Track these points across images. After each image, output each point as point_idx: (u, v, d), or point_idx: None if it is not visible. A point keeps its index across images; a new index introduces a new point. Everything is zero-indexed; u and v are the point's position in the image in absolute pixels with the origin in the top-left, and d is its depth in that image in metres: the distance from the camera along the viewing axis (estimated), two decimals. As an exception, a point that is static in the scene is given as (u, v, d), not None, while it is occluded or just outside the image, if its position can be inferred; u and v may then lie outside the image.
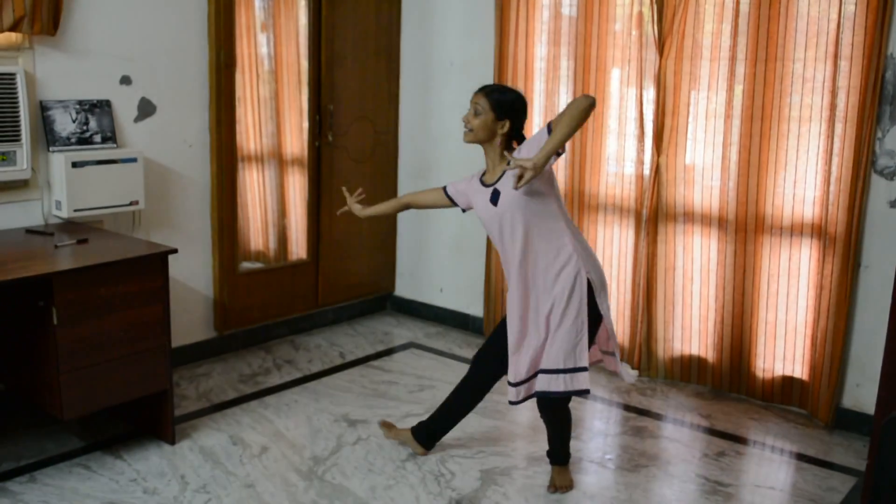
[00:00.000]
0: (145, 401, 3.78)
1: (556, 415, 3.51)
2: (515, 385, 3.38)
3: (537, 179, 3.15)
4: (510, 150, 3.36)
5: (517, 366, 3.38)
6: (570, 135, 3.14)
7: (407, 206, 3.81)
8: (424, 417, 3.86)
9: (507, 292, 3.49)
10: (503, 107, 3.35)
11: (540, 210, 3.29)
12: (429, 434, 3.80)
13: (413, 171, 5.82)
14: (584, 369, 3.30)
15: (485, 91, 3.40)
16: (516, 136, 3.42)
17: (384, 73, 5.71)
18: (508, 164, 3.16)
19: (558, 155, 3.20)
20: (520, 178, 3.04)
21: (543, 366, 3.33)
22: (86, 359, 3.40)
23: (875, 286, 4.10)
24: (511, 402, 3.40)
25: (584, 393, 3.33)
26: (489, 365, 3.61)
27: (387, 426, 3.92)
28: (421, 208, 3.85)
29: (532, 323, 3.36)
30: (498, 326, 3.59)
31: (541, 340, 3.34)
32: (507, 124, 3.37)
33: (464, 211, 3.66)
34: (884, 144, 4.00)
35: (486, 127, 3.37)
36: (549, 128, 3.19)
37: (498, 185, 3.34)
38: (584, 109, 3.14)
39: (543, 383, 3.32)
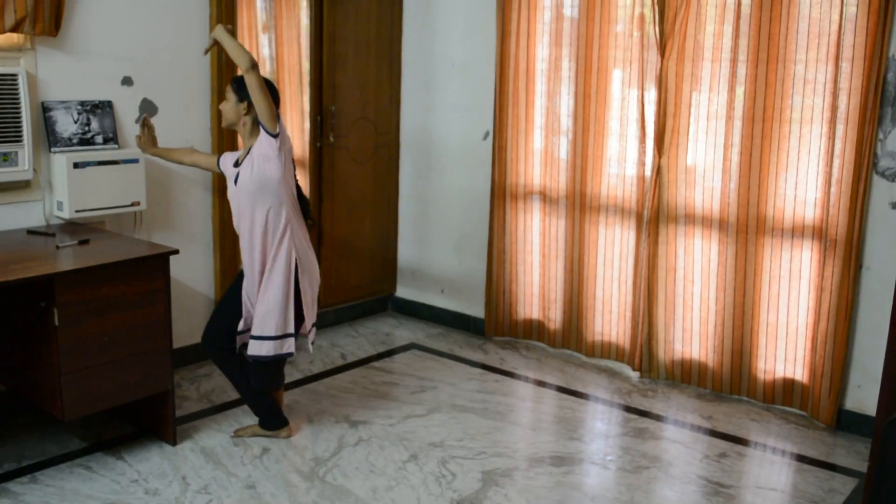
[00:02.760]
0: (147, 401, 3.78)
1: (267, 379, 3.85)
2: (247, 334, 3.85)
3: (267, 163, 3.57)
4: (256, 132, 3.68)
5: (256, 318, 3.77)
6: (236, 56, 3.58)
7: (194, 164, 4.08)
8: (424, 418, 3.86)
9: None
10: (242, 88, 3.65)
11: (267, 199, 3.61)
12: (269, 416, 3.94)
13: (415, 172, 5.83)
14: (291, 335, 3.75)
15: (231, 80, 3.79)
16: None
17: (386, 73, 5.71)
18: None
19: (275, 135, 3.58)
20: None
21: (255, 332, 3.71)
22: (87, 359, 3.40)
23: (876, 288, 4.10)
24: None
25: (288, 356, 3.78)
26: (219, 338, 3.87)
27: (238, 432, 3.97)
28: (202, 168, 4.12)
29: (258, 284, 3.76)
30: (222, 301, 3.98)
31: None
32: (246, 104, 3.66)
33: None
34: (885, 146, 4.00)
35: (232, 110, 3.71)
36: (266, 128, 3.60)
37: (240, 168, 3.68)
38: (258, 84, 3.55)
39: (254, 348, 3.71)
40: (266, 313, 3.67)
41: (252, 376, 3.82)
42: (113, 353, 3.48)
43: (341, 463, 3.73)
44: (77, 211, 3.96)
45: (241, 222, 3.70)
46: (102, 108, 4.15)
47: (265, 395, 3.88)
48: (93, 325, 3.40)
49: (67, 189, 3.91)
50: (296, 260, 3.69)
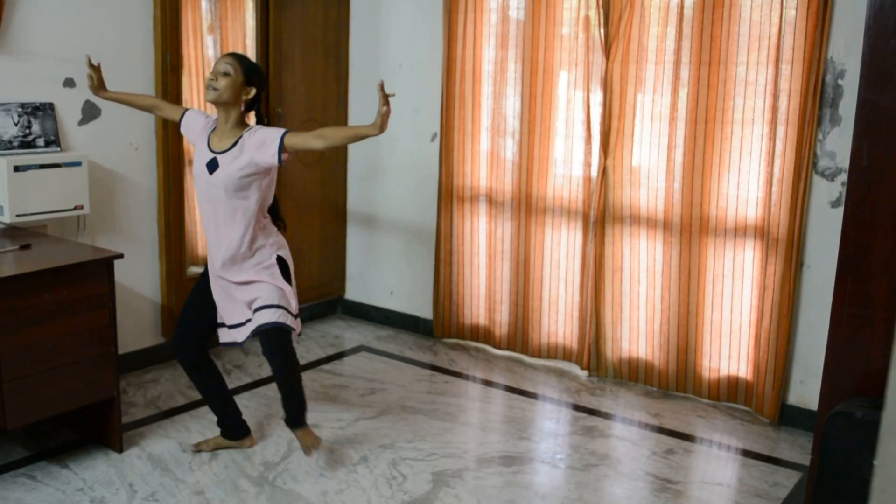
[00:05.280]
0: (92, 408, 3.72)
1: (287, 360, 3.60)
2: (232, 327, 3.64)
3: (261, 176, 3.45)
4: (243, 123, 3.54)
5: (230, 312, 3.63)
6: (350, 139, 3.64)
7: (152, 109, 3.88)
8: (375, 420, 3.85)
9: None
10: (253, 73, 3.51)
11: (242, 198, 3.46)
12: (229, 426, 3.86)
13: (363, 174, 5.81)
14: (295, 316, 3.60)
15: (236, 56, 3.52)
16: (256, 107, 3.59)
17: (333, 75, 5.69)
18: (383, 96, 3.37)
19: (280, 162, 3.43)
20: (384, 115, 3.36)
21: (258, 304, 3.52)
22: (29, 367, 3.34)
23: (817, 285, 4.19)
24: (237, 343, 3.63)
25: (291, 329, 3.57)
26: (188, 344, 3.72)
27: (199, 445, 3.87)
28: (157, 115, 4.03)
29: (231, 285, 3.58)
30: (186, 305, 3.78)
31: (241, 297, 3.58)
32: (253, 91, 3.51)
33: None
34: (824, 146, 4.09)
35: (234, 89, 3.46)
36: (283, 140, 3.39)
37: (221, 157, 3.46)
38: (354, 136, 3.57)
39: (263, 317, 3.50)
40: (260, 290, 3.53)
41: (274, 359, 3.58)
42: (56, 359, 3.42)
43: (291, 467, 3.71)
44: (18, 215, 3.88)
45: (211, 213, 3.52)
46: (44, 111, 4.08)
47: (297, 381, 3.68)
48: (35, 331, 3.34)
49: (7, 193, 3.82)
50: (280, 254, 3.60)
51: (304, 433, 3.67)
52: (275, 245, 3.61)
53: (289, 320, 3.54)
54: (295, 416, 3.67)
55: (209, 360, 3.78)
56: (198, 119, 3.68)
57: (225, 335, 3.67)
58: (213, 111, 3.64)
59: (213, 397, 3.82)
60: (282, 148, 3.38)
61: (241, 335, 3.60)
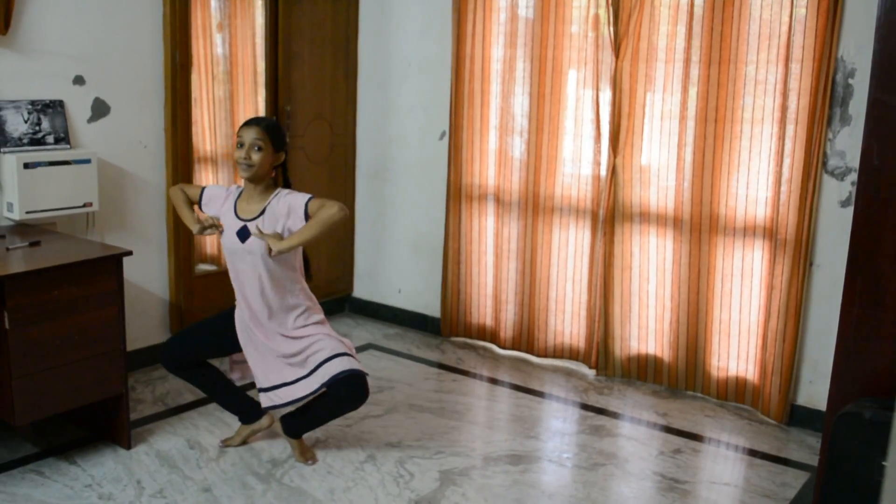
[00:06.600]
0: (100, 405, 3.73)
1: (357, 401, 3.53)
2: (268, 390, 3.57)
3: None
4: (271, 186, 3.55)
5: (273, 372, 3.57)
6: (312, 239, 3.37)
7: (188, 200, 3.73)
8: (382, 418, 3.84)
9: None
10: (280, 139, 3.51)
11: (280, 263, 3.48)
12: (242, 411, 3.85)
13: (371, 172, 5.82)
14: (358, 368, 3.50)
15: (261, 125, 3.49)
16: (283, 167, 3.61)
17: (342, 73, 5.69)
18: (260, 229, 3.39)
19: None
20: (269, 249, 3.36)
21: (324, 356, 3.47)
22: (39, 363, 3.35)
23: (827, 284, 4.18)
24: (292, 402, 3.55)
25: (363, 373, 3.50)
26: (176, 358, 3.70)
27: (227, 442, 3.87)
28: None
29: (269, 351, 3.54)
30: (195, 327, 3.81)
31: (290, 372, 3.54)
32: (283, 157, 3.54)
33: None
34: (834, 145, 4.08)
35: (268, 162, 3.47)
36: (307, 207, 3.41)
37: (251, 224, 3.46)
38: (336, 222, 3.38)
39: (344, 364, 3.45)
40: (318, 342, 3.50)
41: (352, 402, 3.53)
42: (65, 356, 3.43)
43: (298, 464, 3.71)
44: (28, 212, 3.90)
45: (243, 282, 3.51)
46: (53, 108, 4.09)
47: (334, 416, 3.66)
48: (44, 328, 3.35)
49: (17, 190, 3.84)
50: (322, 317, 3.62)
51: (300, 444, 3.73)
52: (315, 304, 3.63)
53: (360, 366, 3.51)
54: (301, 431, 3.70)
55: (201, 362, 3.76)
56: (218, 193, 3.65)
57: (283, 395, 3.54)
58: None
59: (214, 390, 3.81)
60: (307, 214, 3.40)
61: (303, 390, 3.50)
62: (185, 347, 3.70)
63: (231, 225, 3.52)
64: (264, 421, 3.86)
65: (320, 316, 3.62)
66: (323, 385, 3.43)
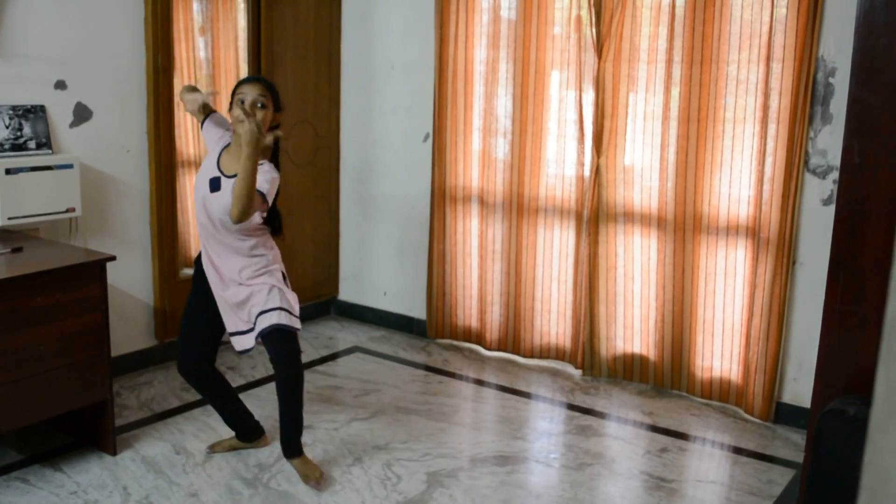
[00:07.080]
0: (85, 411, 3.71)
1: (293, 363, 3.47)
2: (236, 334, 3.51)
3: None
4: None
5: (234, 320, 3.50)
6: (247, 178, 3.13)
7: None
8: (369, 421, 3.84)
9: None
10: (279, 100, 3.44)
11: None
12: (243, 430, 3.82)
13: (355, 175, 5.81)
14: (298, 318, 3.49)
15: (262, 83, 3.40)
16: (276, 143, 3.53)
17: (325, 75, 5.69)
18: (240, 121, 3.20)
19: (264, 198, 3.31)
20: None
21: (259, 309, 3.41)
22: (22, 370, 3.33)
23: (810, 282, 4.20)
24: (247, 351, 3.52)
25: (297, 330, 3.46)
26: (193, 362, 3.64)
27: (213, 447, 3.84)
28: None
29: (232, 296, 3.46)
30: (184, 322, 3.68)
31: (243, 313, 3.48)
32: (279, 118, 3.47)
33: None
34: (816, 144, 4.10)
35: (268, 122, 3.37)
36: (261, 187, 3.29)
37: (226, 180, 3.33)
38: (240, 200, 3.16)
39: (266, 321, 3.39)
40: (259, 294, 3.42)
41: (280, 364, 3.44)
42: (49, 362, 3.41)
43: (285, 468, 3.70)
44: (10, 218, 3.87)
45: (205, 224, 3.40)
46: (35, 113, 4.07)
47: (299, 397, 3.52)
48: (28, 334, 3.33)
49: (-1, 196, 3.82)
50: (278, 268, 3.52)
51: (303, 463, 3.59)
52: (274, 258, 3.52)
53: (292, 321, 3.46)
54: (294, 444, 3.58)
55: (216, 372, 3.72)
56: (215, 132, 3.54)
57: (236, 343, 3.54)
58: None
59: (225, 408, 3.77)
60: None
61: (249, 342, 3.50)
62: (190, 348, 3.62)
63: (209, 169, 3.40)
64: (261, 443, 3.87)
65: (276, 266, 3.51)
66: (257, 336, 3.43)
